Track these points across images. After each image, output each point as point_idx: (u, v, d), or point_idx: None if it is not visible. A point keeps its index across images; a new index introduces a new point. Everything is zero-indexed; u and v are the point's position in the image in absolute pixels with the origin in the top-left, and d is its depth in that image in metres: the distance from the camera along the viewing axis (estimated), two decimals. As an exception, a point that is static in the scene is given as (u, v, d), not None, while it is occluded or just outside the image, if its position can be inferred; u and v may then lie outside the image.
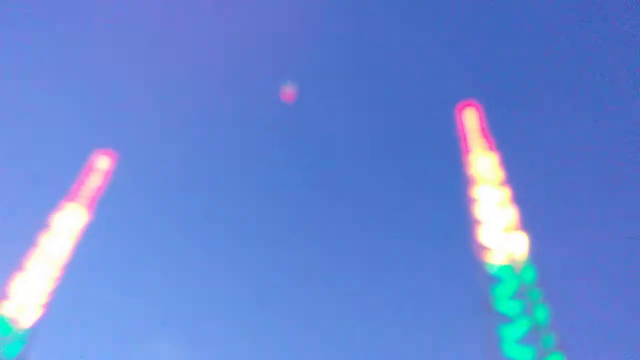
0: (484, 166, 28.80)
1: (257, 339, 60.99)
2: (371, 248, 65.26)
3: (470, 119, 32.27)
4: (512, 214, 26.33)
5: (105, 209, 33.61)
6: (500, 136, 31.49)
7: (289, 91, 34.14)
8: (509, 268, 24.15)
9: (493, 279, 23.97)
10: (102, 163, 35.69)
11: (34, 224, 32.28)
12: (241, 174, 70.63)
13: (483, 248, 25.39)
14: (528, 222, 26.34)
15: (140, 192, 65.88)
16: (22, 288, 28.70)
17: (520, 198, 27.60)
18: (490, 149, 29.77)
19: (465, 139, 30.84)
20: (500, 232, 25.60)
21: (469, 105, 33.14)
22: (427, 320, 59.61)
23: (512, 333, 22.05)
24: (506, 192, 27.45)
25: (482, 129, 31.10)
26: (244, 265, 67.21)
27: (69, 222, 32.19)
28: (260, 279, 65.85)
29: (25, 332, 27.21)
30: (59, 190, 34.76)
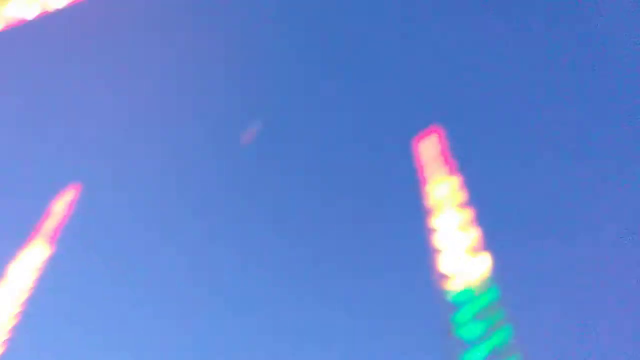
0: (444, 192, 29.42)
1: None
2: (328, 280, 65.32)
3: (430, 146, 32.98)
4: (472, 236, 26.87)
5: (68, 240, 33.06)
6: (462, 158, 32.05)
7: (249, 134, 33.20)
8: (470, 292, 24.54)
9: (454, 305, 24.31)
10: (66, 196, 35.42)
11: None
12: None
13: (443, 276, 25.80)
14: (491, 242, 26.91)
15: (103, 223, 64.67)
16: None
17: (484, 218, 28.21)
18: (451, 173, 30.44)
19: (422, 169, 31.49)
20: (460, 257, 26.08)
21: (429, 132, 33.90)
22: (389, 347, 59.64)
23: (474, 358, 22.31)
24: (467, 215, 28.03)
25: (443, 154, 31.79)
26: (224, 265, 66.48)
27: (33, 257, 31.76)
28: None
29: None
30: (24, 223, 34.18)
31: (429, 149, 33.15)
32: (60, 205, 34.77)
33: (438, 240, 27.31)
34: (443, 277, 25.66)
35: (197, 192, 71.35)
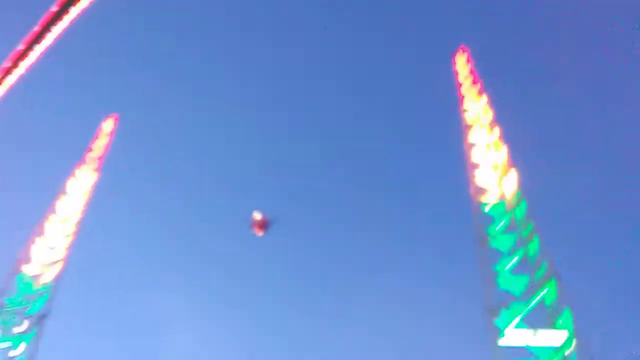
0: (475, 110, 29.72)
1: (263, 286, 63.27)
2: (369, 198, 66.73)
3: (462, 64, 32.89)
4: (503, 152, 27.45)
5: (111, 168, 34.65)
6: (491, 77, 32.00)
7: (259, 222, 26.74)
8: (502, 205, 25.48)
9: (487, 217, 25.34)
10: (107, 126, 36.64)
11: (49, 187, 33.50)
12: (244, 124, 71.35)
13: (477, 189, 26.68)
14: (520, 159, 27.46)
15: (143, 152, 66.88)
16: (41, 247, 30.19)
17: (511, 136, 28.63)
18: (481, 91, 30.59)
19: (458, 85, 31.57)
20: (492, 171, 26.81)
21: (461, 50, 33.66)
22: (425, 260, 61.82)
23: (506, 266, 23.53)
24: (497, 132, 28.47)
25: (473, 72, 31.76)
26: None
27: (80, 184, 33.43)
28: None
29: (46, 288, 28.84)
30: (69, 154, 35.81)
31: (460, 67, 33.11)
32: (102, 135, 36.12)
33: (473, 155, 28.01)
34: (478, 190, 26.60)
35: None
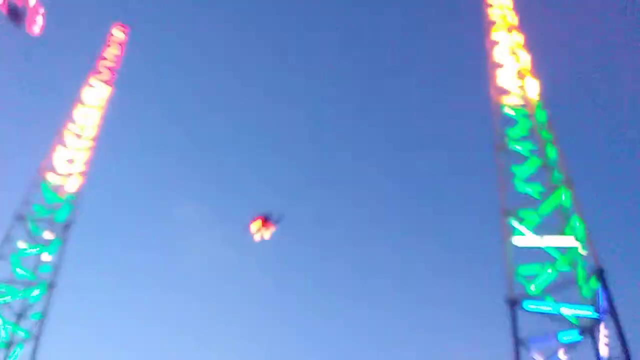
0: (501, 11, 28.84)
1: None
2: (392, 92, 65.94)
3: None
4: (526, 58, 27.04)
5: (125, 80, 34.27)
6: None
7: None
8: (522, 110, 25.43)
9: (507, 120, 25.38)
10: (118, 34, 35.89)
11: (67, 99, 33.34)
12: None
13: (498, 90, 26.48)
14: (541, 67, 27.10)
15: (157, 63, 65.76)
16: (62, 158, 30.61)
17: (534, 43, 28.06)
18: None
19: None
20: (515, 75, 26.51)
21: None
22: (444, 157, 62.09)
23: (523, 170, 23.88)
24: (521, 37, 27.89)
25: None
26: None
27: (95, 95, 33.32)
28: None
29: (70, 198, 29.54)
30: (83, 65, 35.21)
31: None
32: (113, 42, 35.48)
33: (495, 55, 27.52)
34: (499, 90, 26.43)
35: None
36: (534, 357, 19.84)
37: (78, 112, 32.28)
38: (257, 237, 20.70)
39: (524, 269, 21.66)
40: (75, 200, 29.48)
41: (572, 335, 20.21)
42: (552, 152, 23.80)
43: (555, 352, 19.81)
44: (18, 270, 26.33)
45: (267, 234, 20.79)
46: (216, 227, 60.75)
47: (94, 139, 32.00)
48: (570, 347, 20.14)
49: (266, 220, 20.64)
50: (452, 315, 54.40)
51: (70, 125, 31.65)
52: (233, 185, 67.00)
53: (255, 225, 20.63)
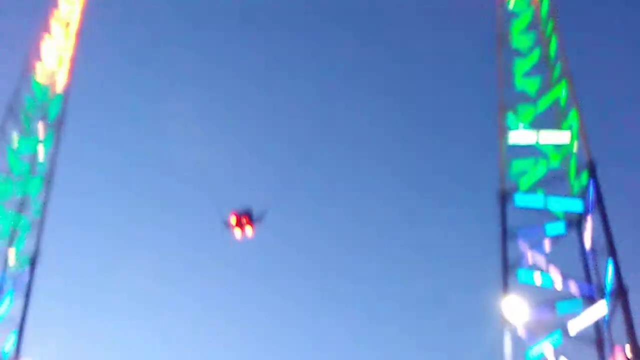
0: None
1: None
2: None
3: None
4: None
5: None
6: None
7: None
8: (525, 2, 24.54)
9: (510, 14, 24.59)
10: None
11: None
12: None
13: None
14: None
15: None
16: (50, 52, 29.70)
17: None
18: None
19: None
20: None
21: None
22: (441, 52, 60.32)
23: (523, 65, 23.49)
24: None
25: None
26: None
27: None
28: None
29: (60, 97, 29.07)
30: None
31: None
32: None
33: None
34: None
35: None
36: (519, 246, 20.65)
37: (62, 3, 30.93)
38: (237, 236, 19.29)
39: (517, 165, 21.98)
40: (64, 98, 29.01)
41: (559, 228, 20.94)
42: (553, 45, 23.33)
43: (541, 243, 20.60)
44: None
45: (249, 232, 19.29)
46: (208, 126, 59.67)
47: (77, 35, 30.94)
48: (555, 239, 20.94)
49: (246, 219, 19.05)
50: (443, 206, 55.39)
51: (55, 12, 30.45)
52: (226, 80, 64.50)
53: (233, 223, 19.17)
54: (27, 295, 22.68)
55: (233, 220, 19.18)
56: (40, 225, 24.85)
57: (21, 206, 25.56)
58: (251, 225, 19.17)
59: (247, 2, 61.45)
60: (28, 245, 24.29)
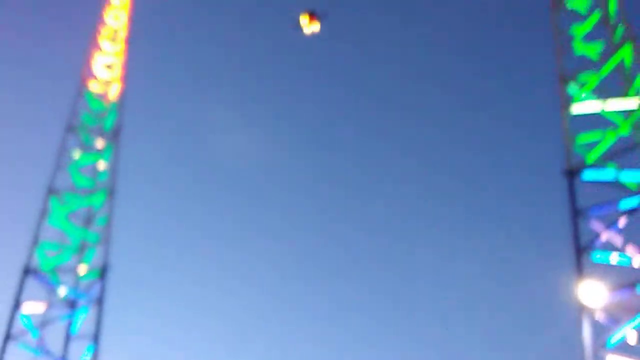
0: None
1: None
2: None
3: None
4: None
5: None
6: None
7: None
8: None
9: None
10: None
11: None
12: None
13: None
14: None
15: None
16: (101, 64, 30.51)
17: None
18: None
19: None
20: None
21: None
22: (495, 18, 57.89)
23: (581, 29, 21.91)
24: None
25: None
26: None
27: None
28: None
29: (114, 106, 29.79)
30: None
31: None
32: None
33: None
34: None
35: None
36: (592, 227, 19.42)
37: (108, 13, 31.64)
38: (306, 31, 23.91)
39: (583, 137, 20.62)
40: (120, 105, 29.71)
41: (634, 202, 19.51)
42: (612, 5, 21.58)
43: (616, 221, 19.27)
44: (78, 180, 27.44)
45: (316, 28, 24.01)
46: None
47: (125, 41, 31.52)
48: (631, 213, 19.53)
49: (313, 16, 23.83)
50: (507, 197, 53.26)
51: (103, 29, 31.21)
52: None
53: (304, 19, 23.78)
54: (100, 309, 23.55)
55: (305, 18, 24.00)
56: (108, 237, 25.66)
57: (88, 220, 26.59)
58: (317, 21, 24.09)
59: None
60: (98, 258, 25.23)
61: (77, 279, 24.80)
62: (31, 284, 24.19)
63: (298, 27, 24.40)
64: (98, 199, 27.02)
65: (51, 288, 24.40)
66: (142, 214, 50.97)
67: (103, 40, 30.89)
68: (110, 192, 27.05)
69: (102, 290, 23.82)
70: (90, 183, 27.58)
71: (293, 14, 24.25)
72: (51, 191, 26.38)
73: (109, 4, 31.76)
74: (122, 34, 31.69)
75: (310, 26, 24.05)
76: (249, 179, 56.63)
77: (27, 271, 24.19)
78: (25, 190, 46.46)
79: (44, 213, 25.76)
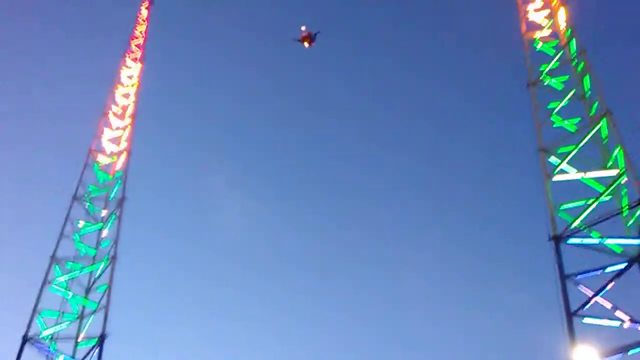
0: None
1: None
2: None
3: None
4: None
5: (153, 54, 35.12)
6: None
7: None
8: (553, 42, 24.66)
9: (539, 55, 24.69)
10: (144, 12, 36.50)
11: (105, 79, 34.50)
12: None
13: (529, 26, 25.72)
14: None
15: (182, 38, 66.45)
16: (109, 139, 32.00)
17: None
18: None
19: None
20: (544, 6, 25.61)
21: None
22: (476, 97, 61.16)
23: (558, 105, 23.35)
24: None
25: None
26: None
27: (129, 73, 34.32)
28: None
29: (119, 175, 30.96)
30: (115, 42, 36.31)
31: None
32: (141, 22, 36.13)
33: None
34: (529, 27, 25.70)
35: None
36: (581, 291, 19.86)
37: (118, 92, 33.47)
38: (306, 45, 30.96)
39: (566, 205, 21.47)
40: (124, 176, 30.84)
41: (619, 266, 20.08)
42: (587, 82, 23.13)
43: (604, 285, 19.73)
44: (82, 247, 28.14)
45: (311, 44, 30.86)
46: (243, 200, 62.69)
47: (132, 116, 33.17)
48: (616, 276, 20.03)
49: (309, 38, 30.64)
50: (493, 261, 54.38)
51: (113, 107, 32.93)
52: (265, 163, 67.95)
53: (303, 40, 30.60)
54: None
55: (303, 36, 30.90)
56: (107, 305, 25.94)
57: (88, 287, 27.04)
58: (312, 40, 30.84)
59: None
60: (96, 325, 25.45)
61: (75, 346, 24.95)
62: (30, 351, 24.35)
63: (298, 42, 30.78)
64: (99, 267, 27.58)
65: (50, 356, 24.51)
66: (142, 280, 51.34)
67: (112, 116, 32.57)
68: (112, 260, 27.61)
69: (99, 358, 23.89)
70: (92, 251, 28.25)
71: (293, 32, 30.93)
72: (54, 259, 27.00)
73: (120, 83, 33.68)
74: (130, 110, 33.42)
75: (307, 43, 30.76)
76: (248, 247, 57.52)
77: (26, 339, 24.40)
78: (28, 256, 47.25)
79: (45, 281, 26.26)
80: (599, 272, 20.23)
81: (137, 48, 35.20)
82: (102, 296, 26.22)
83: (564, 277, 20.34)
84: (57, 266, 26.95)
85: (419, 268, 55.42)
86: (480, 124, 64.60)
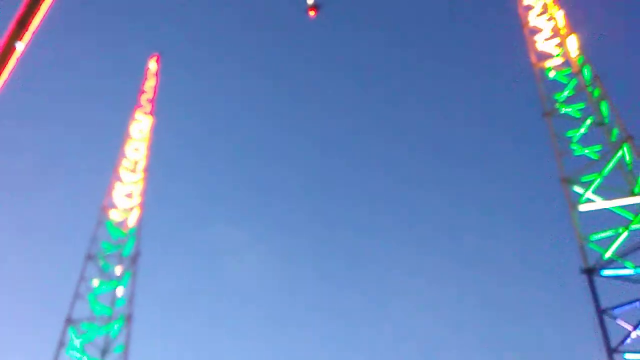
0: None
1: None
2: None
3: None
4: (561, 15, 25.83)
5: (164, 108, 35.40)
6: None
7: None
8: (566, 70, 24.32)
9: (553, 84, 24.31)
10: (153, 66, 36.90)
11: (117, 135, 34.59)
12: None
13: (539, 55, 25.46)
14: (580, 22, 25.79)
15: (190, 91, 67.35)
16: (121, 194, 31.72)
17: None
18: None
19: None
20: (553, 35, 25.43)
21: None
22: (493, 127, 60.75)
23: (577, 133, 22.80)
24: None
25: None
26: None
27: (140, 128, 34.38)
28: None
29: (133, 231, 30.53)
30: (126, 98, 36.63)
31: None
32: (150, 77, 36.50)
33: (530, 19, 26.51)
34: (539, 56, 25.44)
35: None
36: (620, 324, 18.86)
37: (129, 147, 33.43)
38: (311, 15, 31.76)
39: (596, 235, 20.64)
40: (137, 232, 30.42)
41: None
42: (605, 108, 22.62)
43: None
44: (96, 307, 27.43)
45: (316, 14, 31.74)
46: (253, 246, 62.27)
47: (145, 170, 33.00)
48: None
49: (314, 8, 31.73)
50: (527, 294, 52.87)
51: (123, 161, 32.83)
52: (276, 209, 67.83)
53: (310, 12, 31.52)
54: None
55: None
56: (124, 365, 25.14)
57: (105, 348, 26.20)
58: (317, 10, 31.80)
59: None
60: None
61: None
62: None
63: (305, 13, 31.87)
64: (115, 327, 26.84)
65: None
66: (160, 339, 50.17)
67: (123, 171, 32.42)
68: (128, 319, 26.90)
69: None
70: (108, 310, 27.55)
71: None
72: (69, 321, 26.33)
73: (130, 137, 33.72)
74: (142, 164, 33.29)
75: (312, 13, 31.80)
76: (263, 297, 56.46)
77: (42, 407, 23.51)
78: (43, 319, 46.48)
79: (61, 344, 25.53)
80: (637, 304, 19.31)
81: (147, 102, 35.38)
82: (119, 357, 25.43)
83: (600, 312, 19.39)
84: (72, 328, 26.24)
85: (443, 306, 53.67)
86: (499, 155, 63.97)
